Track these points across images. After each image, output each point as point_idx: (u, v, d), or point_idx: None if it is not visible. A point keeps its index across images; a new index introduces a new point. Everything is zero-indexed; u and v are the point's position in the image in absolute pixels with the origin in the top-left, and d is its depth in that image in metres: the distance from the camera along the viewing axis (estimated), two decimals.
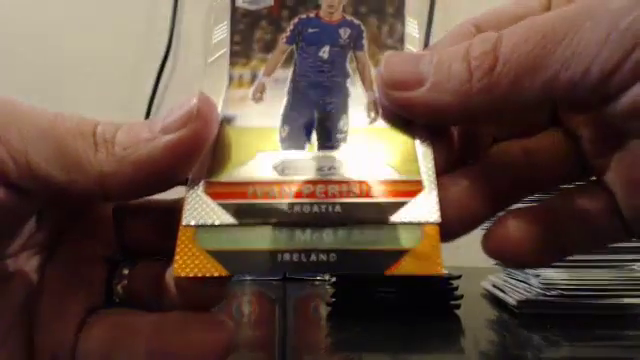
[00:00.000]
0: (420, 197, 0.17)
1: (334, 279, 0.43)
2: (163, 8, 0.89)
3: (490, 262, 0.53)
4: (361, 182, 0.18)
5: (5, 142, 0.16)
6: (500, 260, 0.20)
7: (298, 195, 0.18)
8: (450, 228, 0.18)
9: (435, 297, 0.42)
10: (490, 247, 0.19)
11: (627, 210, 0.19)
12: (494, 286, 0.49)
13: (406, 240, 0.17)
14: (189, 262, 0.17)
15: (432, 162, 0.18)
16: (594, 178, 0.20)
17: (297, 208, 0.17)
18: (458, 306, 0.42)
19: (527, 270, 0.43)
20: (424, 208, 0.17)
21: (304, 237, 0.17)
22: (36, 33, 0.91)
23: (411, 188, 0.18)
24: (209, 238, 0.17)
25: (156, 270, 0.21)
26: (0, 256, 0.19)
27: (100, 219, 0.22)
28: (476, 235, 0.20)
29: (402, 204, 0.17)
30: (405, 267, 0.16)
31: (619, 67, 0.14)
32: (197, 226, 0.17)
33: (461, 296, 0.42)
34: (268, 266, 0.17)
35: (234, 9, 0.22)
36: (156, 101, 0.89)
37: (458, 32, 0.21)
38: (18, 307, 0.19)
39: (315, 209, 0.17)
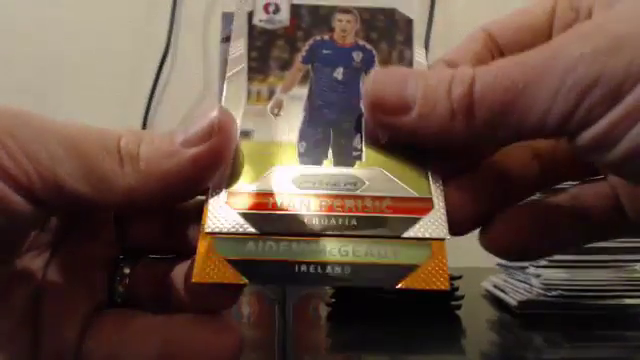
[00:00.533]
0: (431, 215, 0.19)
1: None
2: (162, 5, 0.89)
3: (491, 262, 0.53)
4: (375, 198, 0.19)
5: (33, 160, 0.17)
6: (493, 253, 0.21)
7: (316, 208, 0.19)
8: (454, 228, 0.19)
9: (435, 297, 0.42)
10: (484, 240, 0.20)
11: (629, 205, 0.20)
12: (495, 286, 0.49)
13: (415, 256, 0.18)
14: (208, 269, 0.17)
15: (440, 180, 0.19)
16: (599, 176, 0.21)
17: (315, 220, 0.18)
18: (459, 306, 0.42)
19: (528, 270, 0.43)
20: (434, 225, 0.18)
21: (320, 249, 0.18)
22: (35, 32, 0.91)
23: (422, 205, 0.19)
24: (228, 247, 0.18)
25: (158, 269, 0.21)
26: (10, 259, 0.19)
27: (101, 219, 0.22)
28: (477, 235, 0.21)
29: (414, 221, 0.18)
30: (414, 282, 0.17)
31: (569, 119, 0.16)
32: (217, 234, 0.18)
33: (462, 296, 0.42)
34: (285, 276, 0.18)
35: (251, 27, 0.23)
36: (155, 98, 0.89)
37: (470, 39, 0.22)
38: (24, 307, 0.19)
39: (332, 222, 0.18)
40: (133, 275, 0.22)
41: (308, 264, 0.18)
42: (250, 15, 0.23)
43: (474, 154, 0.21)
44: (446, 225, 0.18)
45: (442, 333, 0.38)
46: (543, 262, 0.41)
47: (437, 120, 0.18)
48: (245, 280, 0.17)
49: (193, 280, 0.17)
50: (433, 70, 0.20)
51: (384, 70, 0.21)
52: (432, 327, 0.39)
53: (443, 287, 0.17)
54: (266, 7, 0.23)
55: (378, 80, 0.19)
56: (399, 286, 0.17)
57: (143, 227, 0.22)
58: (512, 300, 0.43)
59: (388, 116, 0.19)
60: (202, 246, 0.18)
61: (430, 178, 0.19)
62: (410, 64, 0.22)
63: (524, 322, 0.41)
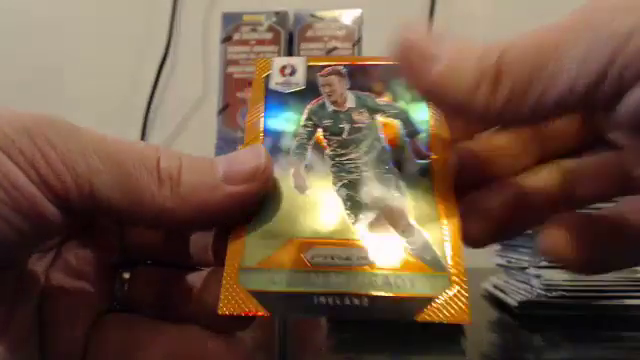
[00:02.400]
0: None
1: None
2: (162, 5, 0.89)
3: (491, 263, 0.53)
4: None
5: (71, 169, 0.17)
6: (554, 260, 0.20)
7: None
8: (476, 242, 0.19)
9: None
10: (544, 246, 0.19)
11: None
12: (495, 287, 0.49)
13: (434, 286, 0.18)
14: (233, 301, 0.18)
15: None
16: None
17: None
18: None
19: (528, 271, 0.43)
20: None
21: (339, 281, 0.18)
22: (35, 33, 0.91)
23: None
24: (251, 279, 0.18)
25: (158, 277, 0.21)
26: (22, 262, 0.19)
27: (104, 224, 0.22)
28: None
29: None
30: (433, 314, 0.17)
31: (601, 82, 0.15)
32: (243, 269, 0.19)
33: None
34: (305, 308, 0.18)
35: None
36: (155, 99, 0.89)
37: None
38: (31, 311, 0.20)
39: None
40: (133, 281, 0.22)
41: (327, 295, 0.18)
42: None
43: (493, 170, 0.21)
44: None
45: (442, 334, 0.38)
46: (543, 262, 0.41)
47: (462, 82, 0.17)
48: (266, 312, 0.18)
49: (219, 312, 0.18)
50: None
51: (416, 26, 0.19)
52: (432, 328, 0.39)
53: (462, 320, 0.17)
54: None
55: (412, 29, 0.18)
56: (417, 319, 0.17)
57: (144, 234, 0.22)
58: (512, 301, 0.43)
59: (418, 62, 0.18)
60: (226, 278, 0.18)
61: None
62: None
63: (524, 323, 0.41)
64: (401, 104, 0.22)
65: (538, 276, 0.41)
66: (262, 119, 0.22)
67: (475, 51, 0.17)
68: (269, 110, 0.22)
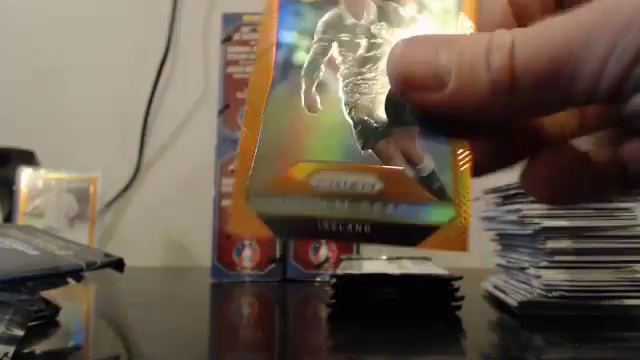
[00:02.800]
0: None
1: (334, 280, 0.43)
2: (162, 5, 0.89)
3: (491, 263, 0.53)
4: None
5: None
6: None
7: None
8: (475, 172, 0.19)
9: (436, 298, 0.42)
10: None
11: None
12: (495, 287, 0.49)
13: (437, 217, 0.18)
14: (243, 223, 0.19)
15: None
16: None
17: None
18: (459, 307, 0.42)
19: (528, 271, 0.43)
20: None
21: (343, 207, 0.18)
22: (35, 32, 0.91)
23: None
24: (260, 203, 0.19)
25: None
26: None
27: None
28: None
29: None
30: (434, 242, 0.18)
31: (622, 84, 0.15)
32: (250, 192, 0.19)
33: (462, 297, 0.42)
34: (309, 232, 0.19)
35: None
36: (155, 99, 0.89)
37: None
38: None
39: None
40: None
41: (330, 221, 0.18)
42: None
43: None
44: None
45: (442, 334, 0.38)
46: (543, 263, 0.41)
47: (476, 96, 0.16)
48: (272, 234, 0.19)
49: (230, 230, 0.19)
50: (466, 36, 0.19)
51: (412, 39, 0.18)
52: (432, 328, 0.39)
53: (461, 249, 0.18)
54: None
55: (406, 51, 0.18)
56: (419, 245, 0.18)
57: None
58: (512, 301, 0.43)
59: (418, 92, 0.17)
60: (236, 202, 0.19)
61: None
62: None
63: (524, 323, 0.41)
64: (427, 16, 0.20)
65: (538, 276, 0.41)
66: (275, 30, 0.21)
67: (480, 53, 0.16)
68: (283, 21, 0.21)
